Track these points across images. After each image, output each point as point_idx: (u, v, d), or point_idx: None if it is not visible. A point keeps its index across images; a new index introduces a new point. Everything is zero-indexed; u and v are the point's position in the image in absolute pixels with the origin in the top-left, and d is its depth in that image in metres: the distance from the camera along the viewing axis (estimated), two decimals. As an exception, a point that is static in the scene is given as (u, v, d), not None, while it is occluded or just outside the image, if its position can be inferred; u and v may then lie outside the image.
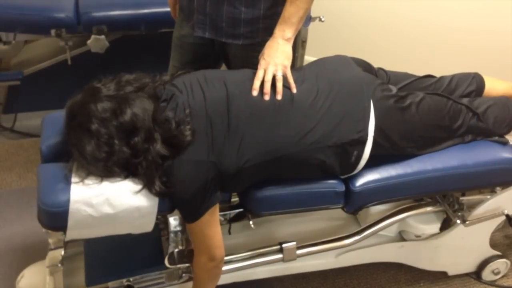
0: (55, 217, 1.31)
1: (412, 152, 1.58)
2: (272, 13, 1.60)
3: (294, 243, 1.67)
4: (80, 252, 1.70)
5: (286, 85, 1.45)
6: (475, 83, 1.75)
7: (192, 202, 1.36)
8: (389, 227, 1.78)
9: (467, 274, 1.96)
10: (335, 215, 1.86)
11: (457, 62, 2.40)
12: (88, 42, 2.33)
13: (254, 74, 1.46)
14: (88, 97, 1.33)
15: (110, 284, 1.62)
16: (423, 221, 1.83)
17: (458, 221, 1.75)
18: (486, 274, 1.93)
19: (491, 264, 1.90)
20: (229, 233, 1.74)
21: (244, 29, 1.62)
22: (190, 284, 1.61)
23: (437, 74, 1.76)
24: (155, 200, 1.34)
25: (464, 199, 1.78)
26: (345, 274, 1.95)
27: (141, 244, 1.69)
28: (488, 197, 1.77)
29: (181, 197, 1.35)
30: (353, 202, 1.56)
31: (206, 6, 1.62)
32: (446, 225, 1.83)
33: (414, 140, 1.56)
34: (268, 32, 1.57)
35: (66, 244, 1.58)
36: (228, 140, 1.36)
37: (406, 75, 1.73)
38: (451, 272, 1.94)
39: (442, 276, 1.95)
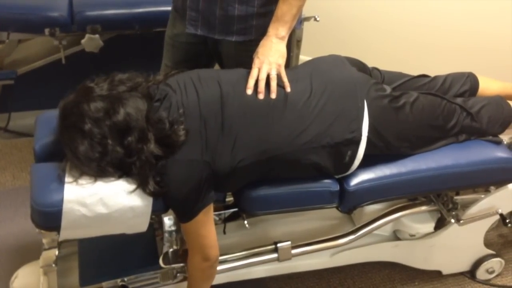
0: (49, 217, 1.31)
1: (406, 151, 1.58)
2: (266, 11, 1.59)
3: (289, 242, 1.67)
4: (74, 252, 1.69)
5: (280, 84, 1.44)
6: (469, 82, 1.75)
7: (186, 201, 1.35)
8: (384, 226, 1.78)
9: (461, 273, 1.97)
10: (329, 215, 1.86)
11: (451, 62, 2.41)
12: (82, 41, 2.32)
13: (248, 73, 1.45)
14: (81, 96, 1.32)
15: (104, 284, 1.61)
16: (417, 221, 1.83)
17: (453, 220, 1.76)
18: (481, 273, 1.94)
19: (485, 263, 1.91)
20: (224, 232, 1.73)
21: (237, 26, 1.62)
22: (185, 284, 1.61)
23: (431, 73, 1.76)
24: (149, 200, 1.34)
25: (458, 198, 1.79)
26: (340, 273, 1.95)
27: (136, 244, 1.68)
28: (482, 196, 1.78)
29: (175, 196, 1.35)
30: (348, 201, 1.56)
31: (199, 3, 1.62)
32: (441, 224, 1.84)
33: (408, 140, 1.56)
34: (261, 30, 1.57)
35: (60, 244, 1.57)
36: (222, 139, 1.36)
37: (400, 75, 1.73)
38: (446, 271, 1.95)
39: (436, 275, 1.96)
